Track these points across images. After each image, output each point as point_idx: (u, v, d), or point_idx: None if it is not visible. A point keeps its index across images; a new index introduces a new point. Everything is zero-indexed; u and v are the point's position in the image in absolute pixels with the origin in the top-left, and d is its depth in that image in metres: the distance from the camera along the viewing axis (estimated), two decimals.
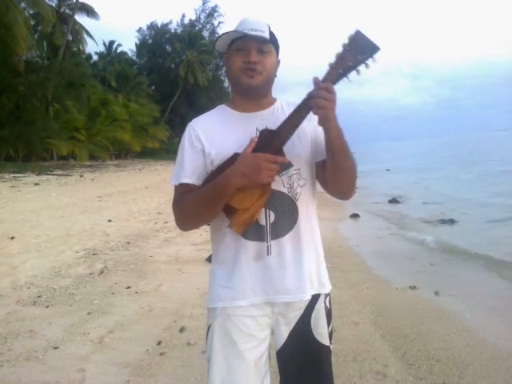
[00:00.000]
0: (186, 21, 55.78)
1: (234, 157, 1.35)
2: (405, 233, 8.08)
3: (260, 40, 1.38)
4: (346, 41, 1.27)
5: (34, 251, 6.24)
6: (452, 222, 8.90)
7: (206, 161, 1.42)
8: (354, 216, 9.73)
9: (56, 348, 3.21)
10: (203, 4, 55.91)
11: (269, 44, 1.41)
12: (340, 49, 1.27)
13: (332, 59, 1.28)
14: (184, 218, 1.46)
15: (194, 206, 1.39)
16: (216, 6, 55.64)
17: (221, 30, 54.83)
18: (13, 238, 6.98)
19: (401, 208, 11.70)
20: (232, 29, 1.42)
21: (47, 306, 4.10)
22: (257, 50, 1.38)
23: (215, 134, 1.44)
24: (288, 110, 1.45)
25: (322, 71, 1.28)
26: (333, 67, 1.27)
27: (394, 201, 12.70)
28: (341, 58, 1.27)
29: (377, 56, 1.26)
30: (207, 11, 55.78)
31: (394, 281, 4.84)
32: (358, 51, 1.26)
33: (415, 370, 2.88)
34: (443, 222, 8.92)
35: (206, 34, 56.22)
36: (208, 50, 52.18)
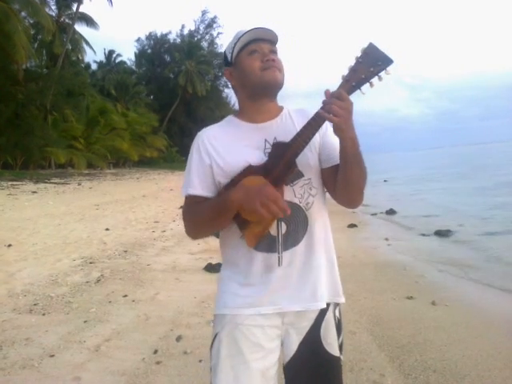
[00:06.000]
0: (186, 31, 56.29)
1: (248, 169, 1.35)
2: (401, 243, 8.08)
3: (270, 40, 1.42)
4: (358, 53, 1.27)
5: (31, 259, 6.23)
6: (449, 233, 8.91)
7: (214, 173, 1.43)
8: (352, 226, 9.73)
9: (52, 356, 3.20)
10: (202, 15, 56.68)
11: (276, 46, 1.45)
12: (353, 61, 1.27)
13: (345, 72, 1.28)
14: (192, 228, 1.48)
15: (200, 217, 1.42)
16: (215, 18, 56.34)
17: (219, 41, 55.20)
18: (10, 245, 6.97)
19: (398, 219, 11.69)
20: (233, 40, 1.45)
21: (43, 314, 4.08)
22: (269, 51, 1.41)
23: (224, 146, 1.44)
24: (296, 117, 1.46)
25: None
26: (346, 80, 1.27)
27: (391, 212, 12.71)
28: (353, 70, 1.27)
29: (390, 68, 1.26)
30: (206, 22, 56.43)
31: (391, 291, 4.83)
32: (370, 64, 1.25)
33: (412, 380, 2.87)
34: (440, 233, 8.92)
35: (204, 44, 56.78)
36: (207, 61, 52.58)
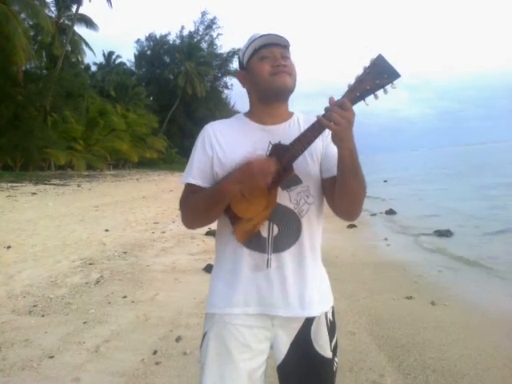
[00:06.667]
0: (185, 32, 56.29)
1: None
2: (401, 243, 8.09)
3: (282, 44, 1.42)
4: (367, 64, 1.27)
5: (31, 260, 6.23)
6: (449, 233, 8.92)
7: (214, 167, 1.44)
8: (351, 226, 9.72)
9: (51, 357, 3.20)
10: (202, 16, 56.55)
11: (289, 50, 1.45)
12: (360, 71, 1.27)
13: (351, 81, 1.28)
14: (186, 217, 1.49)
15: (195, 206, 1.43)
16: (215, 18, 56.23)
17: (219, 42, 55.24)
18: (9, 247, 6.97)
19: (397, 219, 11.71)
20: (246, 44, 1.46)
21: (43, 315, 4.08)
22: (280, 55, 1.41)
23: (228, 142, 1.46)
24: (304, 125, 1.44)
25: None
26: (351, 89, 1.27)
27: (390, 212, 12.71)
28: (359, 80, 1.26)
29: (396, 82, 1.25)
30: (206, 23, 56.36)
31: (391, 291, 4.83)
32: (377, 76, 1.25)
33: (411, 379, 2.87)
34: (440, 233, 8.92)
35: (204, 45, 56.70)
36: (206, 62, 52.61)
